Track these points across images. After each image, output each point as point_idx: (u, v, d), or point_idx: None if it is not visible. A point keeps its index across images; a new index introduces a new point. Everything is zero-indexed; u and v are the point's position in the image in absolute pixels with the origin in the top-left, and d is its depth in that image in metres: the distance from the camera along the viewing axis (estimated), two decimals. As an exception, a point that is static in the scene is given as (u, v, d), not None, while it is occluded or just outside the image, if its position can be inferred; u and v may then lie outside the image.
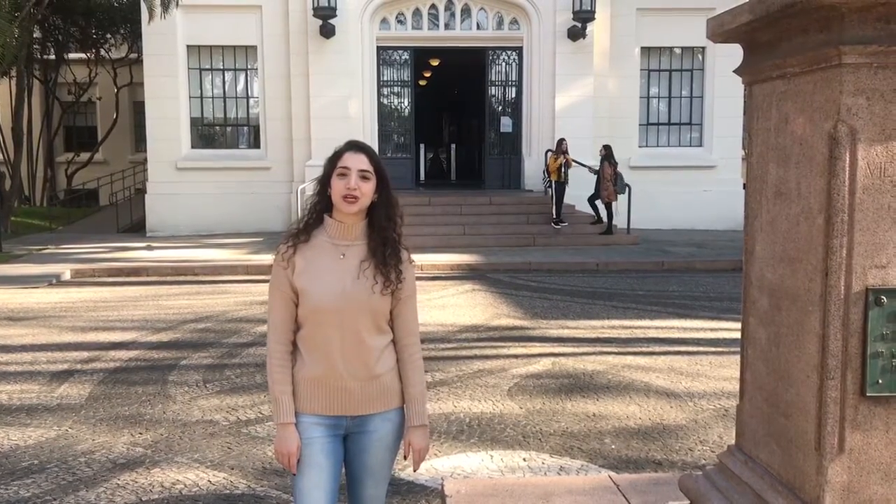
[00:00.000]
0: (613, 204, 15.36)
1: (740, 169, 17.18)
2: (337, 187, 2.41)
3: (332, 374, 2.43)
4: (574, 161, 15.26)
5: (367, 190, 2.41)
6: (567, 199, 15.42)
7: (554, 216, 15.25)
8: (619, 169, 15.63)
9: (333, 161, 2.45)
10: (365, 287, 2.41)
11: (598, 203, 15.58)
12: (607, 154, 15.30)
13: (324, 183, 2.47)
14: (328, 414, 2.45)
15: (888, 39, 2.04)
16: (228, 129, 18.21)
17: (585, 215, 15.93)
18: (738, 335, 2.89)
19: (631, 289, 10.85)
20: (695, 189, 17.97)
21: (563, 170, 14.97)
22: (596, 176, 15.41)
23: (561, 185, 15.11)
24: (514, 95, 18.03)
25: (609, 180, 15.08)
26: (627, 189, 15.41)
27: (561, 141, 15.36)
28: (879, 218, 2.10)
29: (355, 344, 2.43)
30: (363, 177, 2.40)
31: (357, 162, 2.41)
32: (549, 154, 15.57)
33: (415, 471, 2.65)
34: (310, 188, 16.38)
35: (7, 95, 23.74)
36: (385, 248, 2.45)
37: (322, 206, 2.48)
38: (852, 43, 2.04)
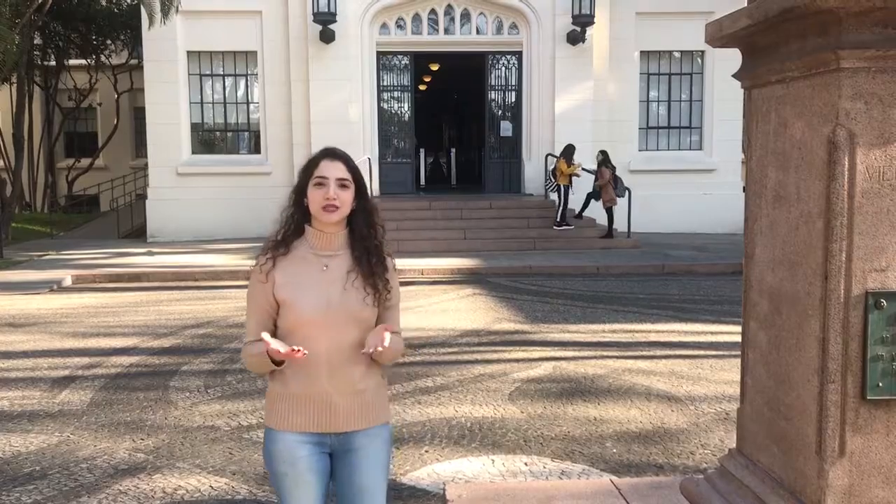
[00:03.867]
0: (613, 208, 15.39)
1: (740, 172, 17.18)
2: (315, 198, 2.33)
3: (317, 390, 2.35)
4: (583, 168, 15.45)
5: (347, 198, 2.34)
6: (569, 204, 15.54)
7: (558, 219, 15.33)
8: (619, 173, 15.69)
9: (309, 170, 2.36)
10: (355, 299, 2.34)
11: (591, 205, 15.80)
12: (604, 159, 15.38)
13: (299, 193, 2.39)
14: (312, 431, 2.37)
15: (886, 43, 2.05)
16: (229, 134, 18.21)
17: (586, 219, 15.98)
18: (738, 338, 2.89)
19: (631, 292, 10.85)
20: (695, 192, 17.98)
21: (571, 176, 15.19)
22: (594, 177, 15.49)
23: (567, 189, 15.24)
24: (513, 99, 18.05)
25: (609, 183, 15.13)
26: (627, 193, 15.44)
27: (571, 148, 15.47)
28: (878, 221, 2.10)
29: (342, 357, 2.34)
30: (342, 185, 2.32)
31: (334, 170, 2.33)
32: (560, 158, 15.51)
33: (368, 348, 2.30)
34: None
35: (8, 102, 23.78)
36: (370, 258, 2.38)
37: (299, 216, 2.40)
38: (850, 47, 2.05)
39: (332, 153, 2.39)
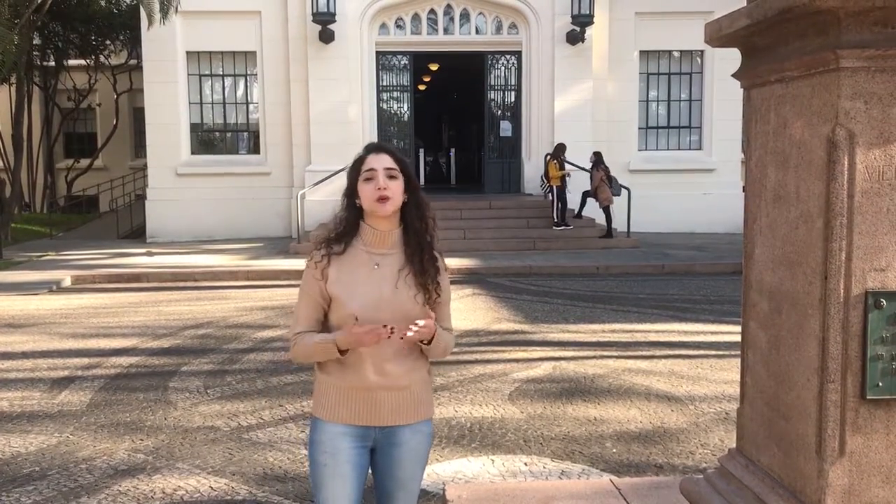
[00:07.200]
0: (611, 207, 15.40)
1: (740, 172, 17.18)
2: (366, 192, 2.34)
3: (363, 384, 2.36)
4: (570, 164, 15.39)
5: (397, 189, 2.35)
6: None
7: (556, 219, 15.33)
8: (618, 172, 15.71)
9: (357, 167, 2.38)
10: (405, 297, 2.35)
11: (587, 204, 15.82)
12: (597, 160, 15.42)
13: (350, 194, 2.40)
14: (357, 424, 2.39)
15: (885, 43, 2.05)
16: (228, 134, 18.21)
17: (585, 219, 15.98)
18: (738, 338, 2.89)
19: (631, 292, 10.85)
20: (694, 192, 17.97)
21: (564, 176, 15.17)
22: (590, 176, 15.53)
23: (562, 190, 15.23)
24: (513, 99, 18.05)
25: (604, 181, 15.14)
26: (628, 193, 15.44)
27: (560, 147, 15.49)
28: (878, 221, 2.10)
29: (389, 354, 2.36)
30: (390, 176, 2.34)
31: (382, 162, 2.35)
32: (550, 161, 15.57)
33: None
34: (310, 193, 16.26)
35: (7, 102, 23.77)
36: (423, 255, 2.38)
37: (353, 218, 2.41)
38: (850, 47, 2.05)
39: (377, 147, 2.42)
